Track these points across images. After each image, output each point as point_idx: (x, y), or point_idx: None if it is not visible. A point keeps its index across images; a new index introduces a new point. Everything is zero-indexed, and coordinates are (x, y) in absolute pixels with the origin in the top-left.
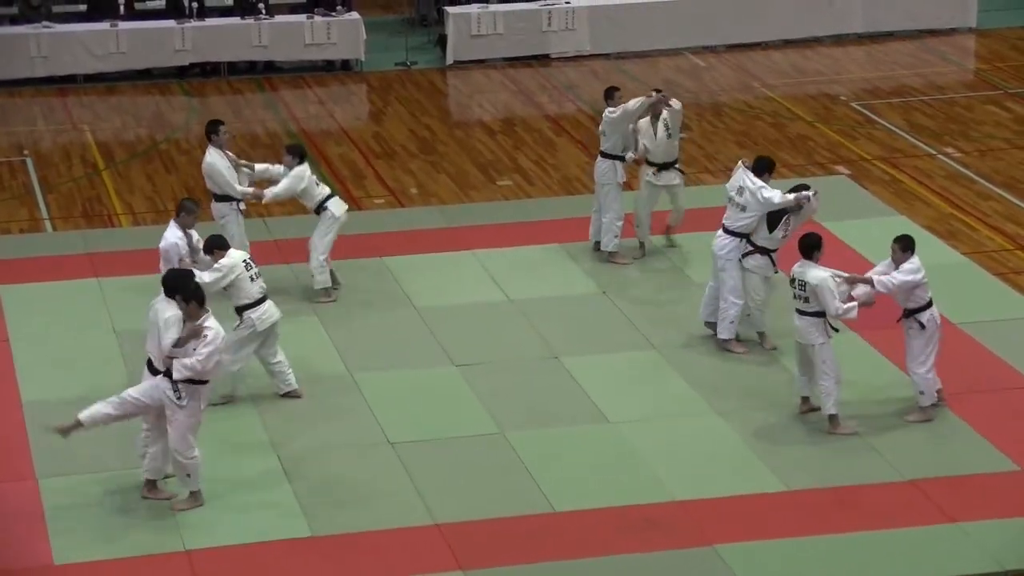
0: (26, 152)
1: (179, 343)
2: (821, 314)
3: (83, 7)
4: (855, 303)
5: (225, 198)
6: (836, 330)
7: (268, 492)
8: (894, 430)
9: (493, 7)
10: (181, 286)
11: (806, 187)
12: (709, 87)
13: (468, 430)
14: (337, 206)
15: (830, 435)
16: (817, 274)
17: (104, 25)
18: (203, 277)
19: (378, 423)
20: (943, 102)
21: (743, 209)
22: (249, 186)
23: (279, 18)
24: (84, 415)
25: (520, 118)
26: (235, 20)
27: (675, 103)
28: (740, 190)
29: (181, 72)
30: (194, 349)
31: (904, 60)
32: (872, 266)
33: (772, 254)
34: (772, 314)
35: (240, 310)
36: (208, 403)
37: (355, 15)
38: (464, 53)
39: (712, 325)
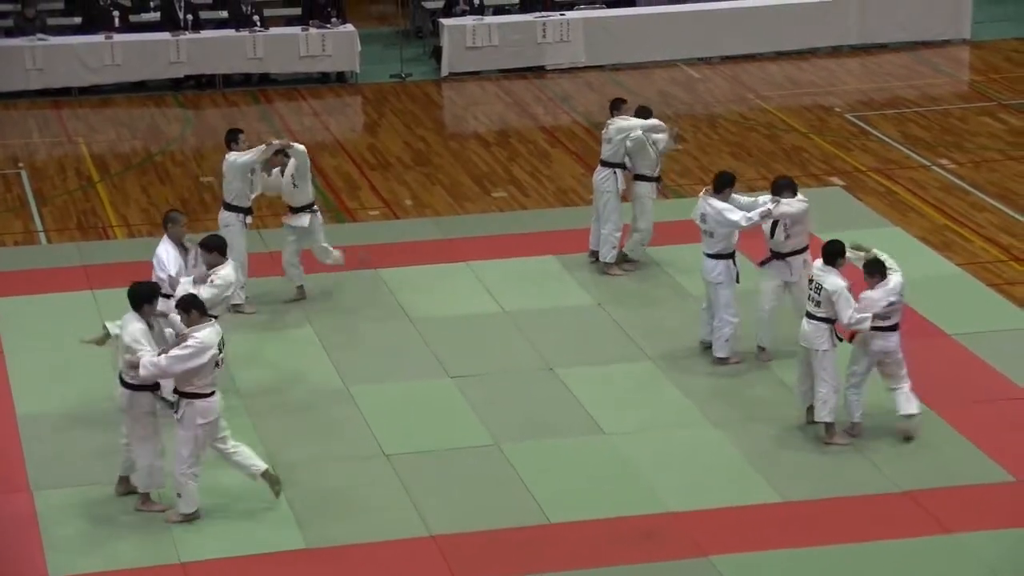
0: (21, 164)
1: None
2: (830, 320)
3: (78, 20)
4: (868, 314)
5: (233, 208)
6: (841, 339)
7: (263, 504)
8: (890, 441)
9: (488, 19)
10: (147, 297)
11: (790, 184)
12: (704, 98)
13: (463, 442)
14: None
15: (826, 445)
16: (836, 281)
17: (99, 37)
18: (202, 292)
19: (373, 435)
20: (937, 113)
21: (711, 235)
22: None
23: (274, 30)
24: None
25: (515, 130)
26: (230, 32)
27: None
28: (703, 217)
29: (176, 84)
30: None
31: (898, 72)
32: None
33: (787, 258)
34: (775, 326)
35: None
36: (211, 419)
37: (350, 27)
38: (459, 65)
39: (709, 345)
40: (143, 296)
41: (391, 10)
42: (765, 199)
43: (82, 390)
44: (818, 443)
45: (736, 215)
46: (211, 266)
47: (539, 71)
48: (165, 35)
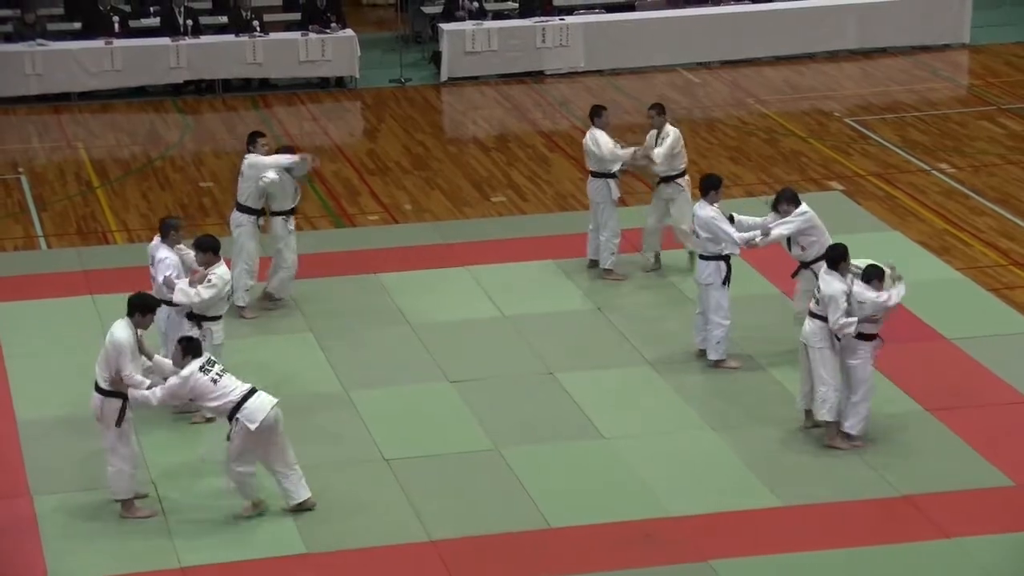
0: (21, 170)
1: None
2: None
3: (78, 25)
4: (854, 320)
5: (246, 209)
6: (840, 340)
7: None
8: (889, 445)
9: (487, 24)
10: (144, 309)
11: (790, 196)
12: (703, 103)
13: (463, 446)
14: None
15: (826, 448)
16: (833, 285)
17: (99, 43)
18: (201, 293)
19: (373, 440)
20: (937, 118)
21: (713, 240)
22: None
23: (273, 35)
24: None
25: (514, 134)
26: (229, 38)
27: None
28: (693, 218)
29: (176, 90)
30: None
31: (898, 76)
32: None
33: (812, 266)
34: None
35: (203, 319)
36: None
37: (349, 32)
38: (458, 70)
39: (704, 352)
40: (140, 307)
41: (390, 15)
42: (765, 220)
43: (82, 395)
44: (818, 447)
45: (727, 227)
46: (206, 266)
47: (538, 76)
48: (165, 40)
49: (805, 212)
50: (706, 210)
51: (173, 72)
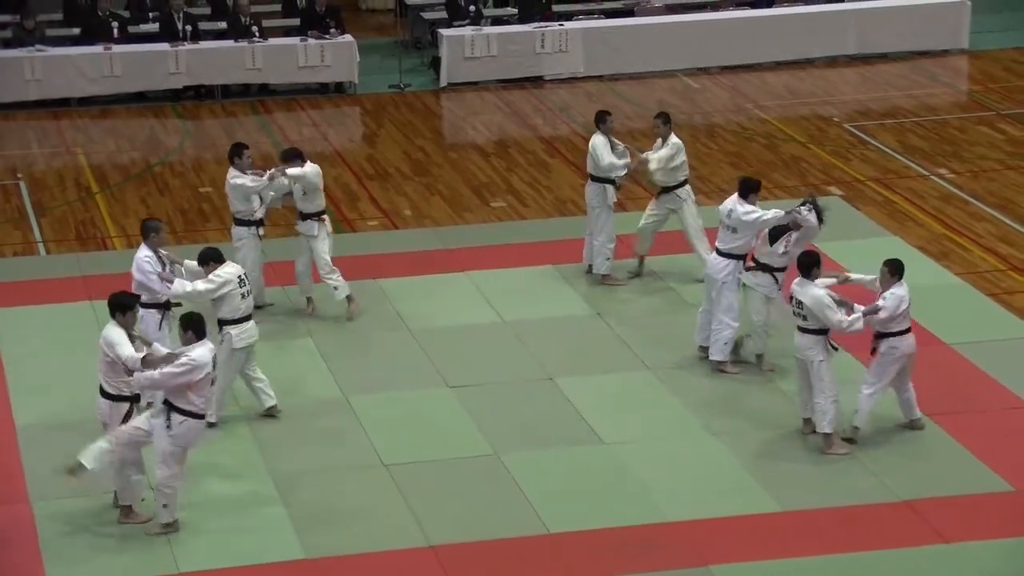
0: (20, 175)
1: (149, 361)
2: (823, 331)
3: (77, 31)
4: (859, 315)
5: (244, 222)
6: (836, 348)
7: (262, 514)
8: (889, 450)
9: (487, 29)
10: (123, 307)
11: (812, 200)
12: (702, 108)
13: (462, 451)
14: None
15: (825, 455)
16: (813, 292)
17: (98, 48)
18: (197, 286)
19: (372, 445)
20: (936, 123)
21: (734, 231)
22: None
23: (273, 41)
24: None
25: (514, 140)
26: (229, 43)
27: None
28: (730, 213)
29: (175, 95)
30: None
31: (897, 81)
32: (864, 288)
33: (776, 273)
34: (774, 335)
35: (222, 323)
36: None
37: (349, 38)
38: (458, 75)
39: (706, 349)
40: (118, 306)
41: (390, 21)
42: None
43: (81, 401)
44: (817, 452)
45: (757, 212)
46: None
47: (538, 81)
48: (164, 46)
49: (902, 299)
50: (744, 204)
51: (172, 78)
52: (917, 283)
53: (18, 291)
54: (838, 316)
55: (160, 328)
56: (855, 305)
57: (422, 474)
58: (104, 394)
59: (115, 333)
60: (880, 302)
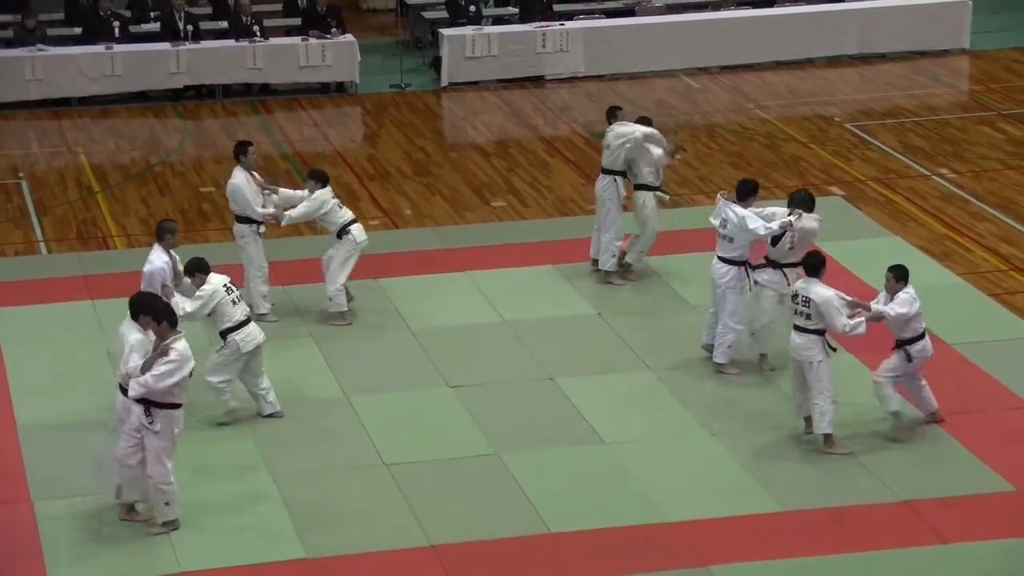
0: (21, 175)
1: (146, 365)
2: (821, 332)
3: (78, 30)
4: (863, 319)
5: (246, 220)
6: (834, 349)
7: (263, 514)
8: (888, 450)
9: (487, 29)
10: (149, 307)
11: (806, 198)
12: (703, 108)
13: (463, 451)
14: (359, 231)
15: (825, 455)
16: (822, 292)
17: (99, 48)
18: (185, 307)
19: (373, 444)
20: (937, 123)
21: (731, 240)
22: (271, 208)
23: (274, 40)
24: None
25: (514, 140)
26: (230, 43)
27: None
28: (723, 222)
29: (176, 95)
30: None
31: (898, 81)
32: (866, 287)
33: (784, 269)
34: (774, 337)
35: (224, 333)
36: (182, 428)
37: (350, 37)
38: (458, 75)
39: (710, 348)
40: (144, 307)
41: (391, 20)
42: (776, 211)
43: (83, 400)
44: (817, 452)
45: (755, 223)
46: (198, 287)
47: (538, 81)
48: (165, 45)
49: (819, 219)
50: (738, 210)
51: (173, 77)
52: (918, 283)
53: (19, 290)
54: (843, 320)
55: None
56: (869, 304)
57: (423, 474)
58: (124, 392)
59: (136, 338)
60: (890, 307)
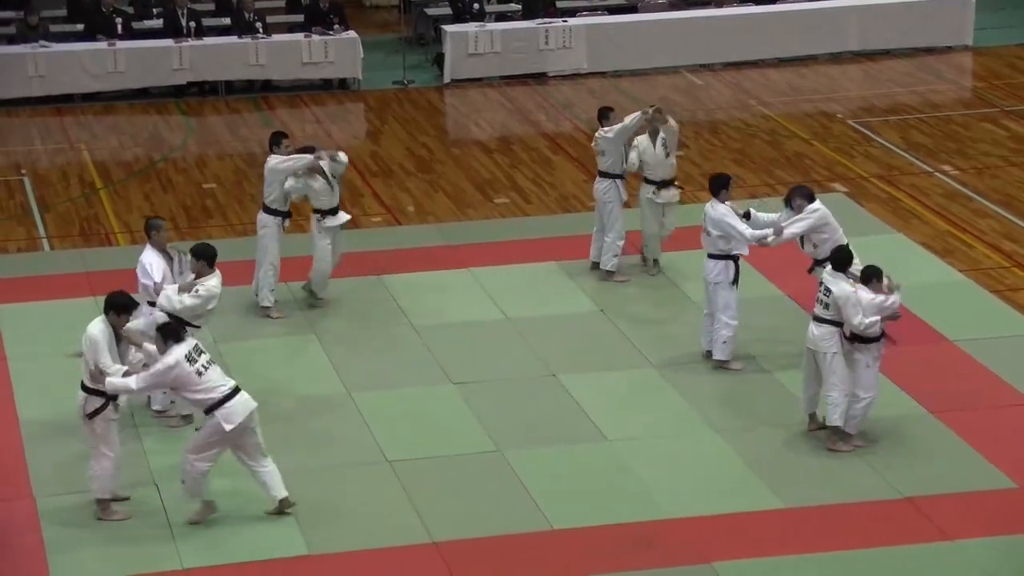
0: (23, 171)
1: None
2: (838, 323)
3: (81, 27)
4: (878, 318)
5: (271, 211)
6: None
7: (266, 510)
8: (891, 447)
9: (490, 26)
10: (119, 308)
11: (803, 192)
12: (706, 105)
13: (466, 448)
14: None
15: (829, 451)
16: (844, 287)
17: (102, 44)
18: (184, 300)
19: (376, 441)
20: (940, 120)
21: (724, 238)
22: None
23: (276, 37)
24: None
25: (517, 136)
26: (232, 39)
27: (672, 122)
28: (704, 218)
29: (179, 91)
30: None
31: (900, 78)
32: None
33: (825, 263)
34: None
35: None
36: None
37: (352, 34)
38: (461, 71)
39: (711, 355)
40: (116, 306)
41: (393, 17)
42: (779, 217)
43: None
44: (820, 449)
45: (739, 224)
46: (198, 275)
47: (541, 78)
48: (168, 42)
49: (817, 209)
50: (718, 208)
51: (176, 74)
52: (921, 280)
53: (22, 287)
54: (859, 317)
55: None
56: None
57: (425, 471)
58: (83, 387)
59: (99, 334)
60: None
